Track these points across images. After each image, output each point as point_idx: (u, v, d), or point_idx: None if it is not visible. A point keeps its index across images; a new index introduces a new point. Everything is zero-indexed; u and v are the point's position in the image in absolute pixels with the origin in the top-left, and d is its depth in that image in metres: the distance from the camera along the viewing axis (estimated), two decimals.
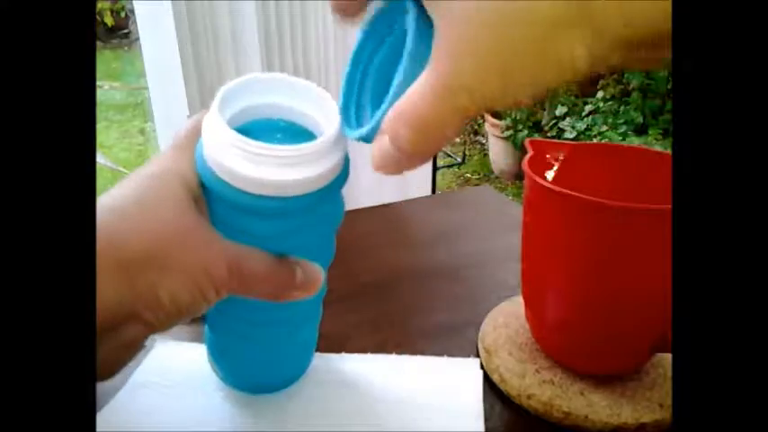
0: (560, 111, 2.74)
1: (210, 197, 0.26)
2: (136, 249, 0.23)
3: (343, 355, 0.40)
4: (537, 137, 1.36)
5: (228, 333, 0.32)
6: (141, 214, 0.24)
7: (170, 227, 0.24)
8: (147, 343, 0.41)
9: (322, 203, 0.27)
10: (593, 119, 2.63)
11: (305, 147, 0.24)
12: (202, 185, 0.26)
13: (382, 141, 0.21)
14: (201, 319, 0.33)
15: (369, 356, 0.40)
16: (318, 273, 0.28)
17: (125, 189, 0.25)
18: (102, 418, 0.34)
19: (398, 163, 0.21)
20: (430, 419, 0.35)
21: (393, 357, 0.40)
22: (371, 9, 0.23)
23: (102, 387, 0.37)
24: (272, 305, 0.29)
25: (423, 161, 0.21)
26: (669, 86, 2.56)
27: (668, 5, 0.16)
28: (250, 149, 0.24)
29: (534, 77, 0.18)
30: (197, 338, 0.41)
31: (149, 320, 0.24)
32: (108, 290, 0.22)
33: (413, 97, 0.19)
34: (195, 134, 0.26)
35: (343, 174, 0.27)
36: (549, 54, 0.17)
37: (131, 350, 0.25)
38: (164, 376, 0.38)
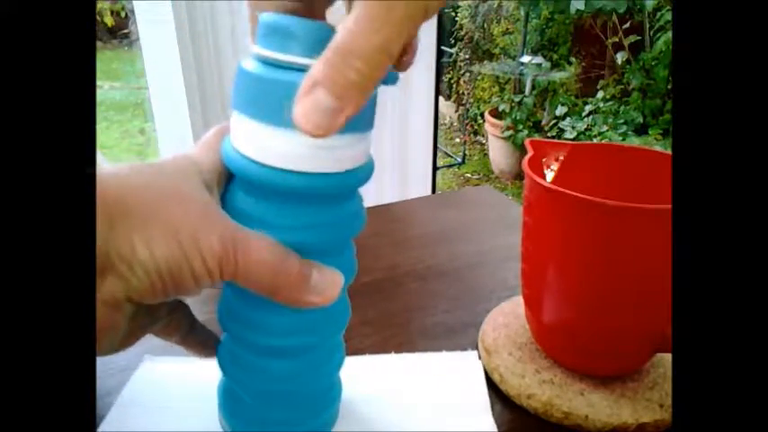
0: (560, 111, 2.74)
1: (230, 187, 0.26)
2: (118, 199, 0.22)
3: (351, 357, 0.40)
4: (537, 137, 1.36)
5: (240, 368, 0.29)
6: (136, 173, 0.23)
7: (162, 185, 0.23)
8: (135, 360, 0.38)
9: (342, 200, 0.26)
10: (593, 119, 2.63)
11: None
12: (227, 173, 0.26)
13: (317, 95, 0.20)
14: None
15: (370, 357, 0.40)
16: (338, 278, 0.25)
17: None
18: None
19: (336, 115, 0.20)
20: (440, 419, 0.35)
21: (393, 357, 0.40)
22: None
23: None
24: (291, 329, 0.27)
25: (361, 104, 0.21)
26: (669, 86, 2.56)
27: None
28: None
29: None
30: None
31: (123, 274, 0.22)
32: None
33: (356, 27, 0.19)
34: (223, 133, 0.26)
35: (367, 167, 0.26)
36: None
37: (114, 314, 0.23)
38: (154, 393, 0.37)
